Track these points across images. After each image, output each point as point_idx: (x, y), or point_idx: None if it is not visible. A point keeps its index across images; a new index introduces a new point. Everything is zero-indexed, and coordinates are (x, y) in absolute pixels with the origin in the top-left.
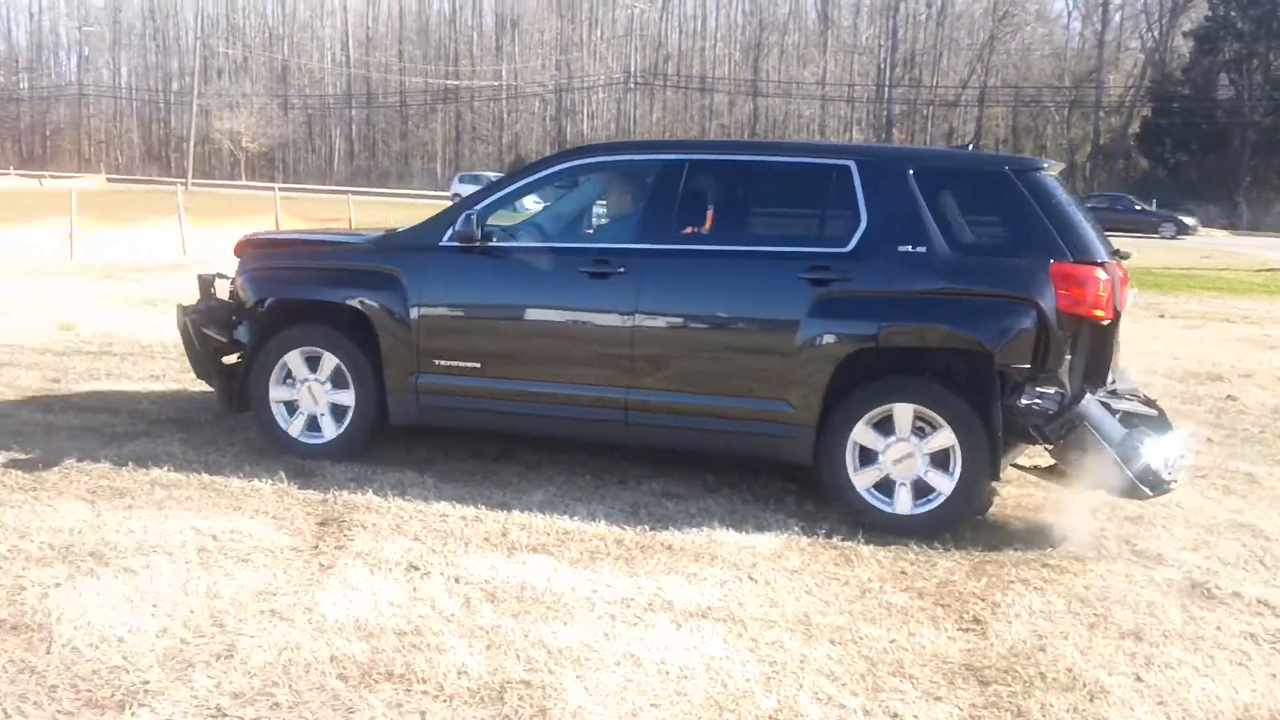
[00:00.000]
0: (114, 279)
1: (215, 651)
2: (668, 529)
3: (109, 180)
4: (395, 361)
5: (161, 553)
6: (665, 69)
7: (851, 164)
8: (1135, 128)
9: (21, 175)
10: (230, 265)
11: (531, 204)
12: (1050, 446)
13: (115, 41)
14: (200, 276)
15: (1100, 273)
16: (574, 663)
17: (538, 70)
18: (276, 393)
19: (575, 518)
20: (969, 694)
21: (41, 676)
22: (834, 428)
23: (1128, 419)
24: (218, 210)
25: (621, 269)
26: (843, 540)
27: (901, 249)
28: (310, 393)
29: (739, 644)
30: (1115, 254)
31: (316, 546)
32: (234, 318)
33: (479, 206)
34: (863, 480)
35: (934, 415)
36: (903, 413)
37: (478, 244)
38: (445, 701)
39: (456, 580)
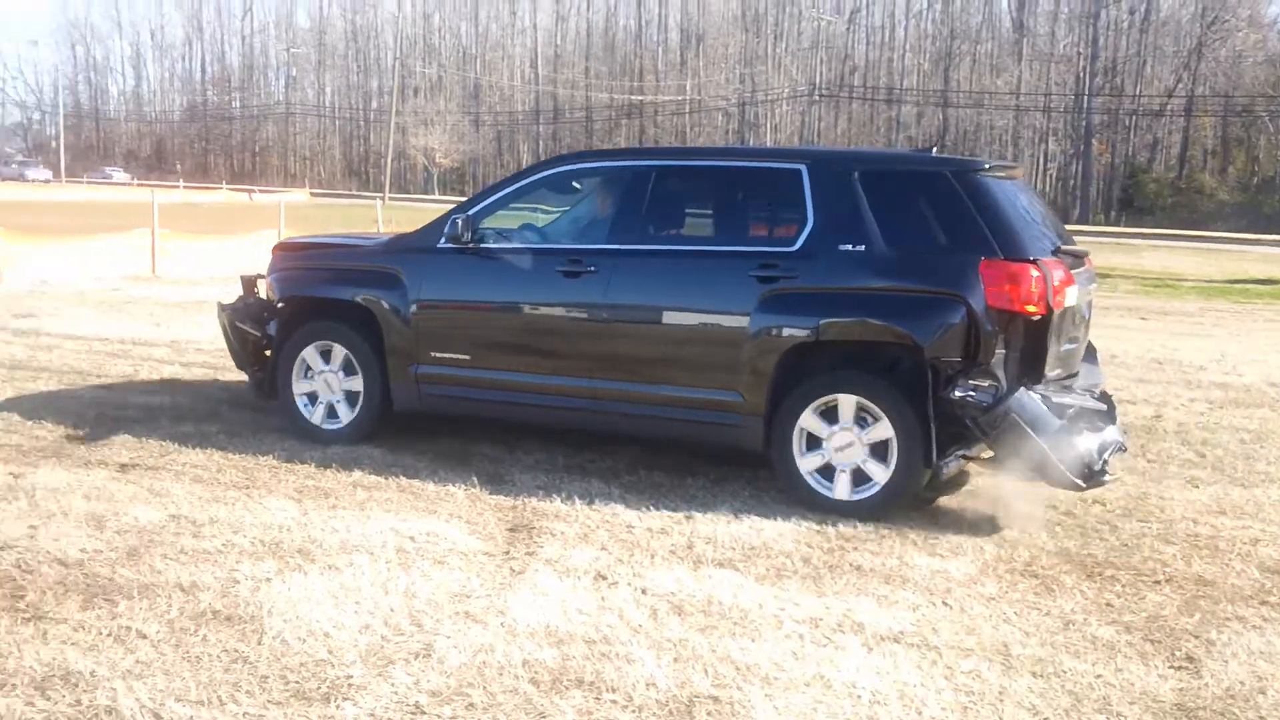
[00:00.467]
0: None
1: (414, 650)
2: (857, 549)
3: (312, 195)
4: (396, 353)
5: (363, 552)
6: (851, 80)
7: (803, 168)
8: None
9: (232, 190)
10: None
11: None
12: (986, 438)
13: (320, 62)
14: (243, 277)
15: (1033, 270)
16: (762, 681)
17: (721, 84)
18: (300, 385)
19: (761, 534)
20: None
21: (253, 666)
22: (782, 417)
23: (1071, 412)
24: (416, 222)
25: (592, 268)
26: (1043, 568)
27: (842, 248)
28: (326, 383)
29: (934, 671)
30: (1069, 254)
31: (508, 552)
32: (266, 314)
33: (470, 211)
34: (808, 466)
35: (872, 406)
36: (845, 404)
37: (470, 245)
38: (634, 712)
39: (643, 591)
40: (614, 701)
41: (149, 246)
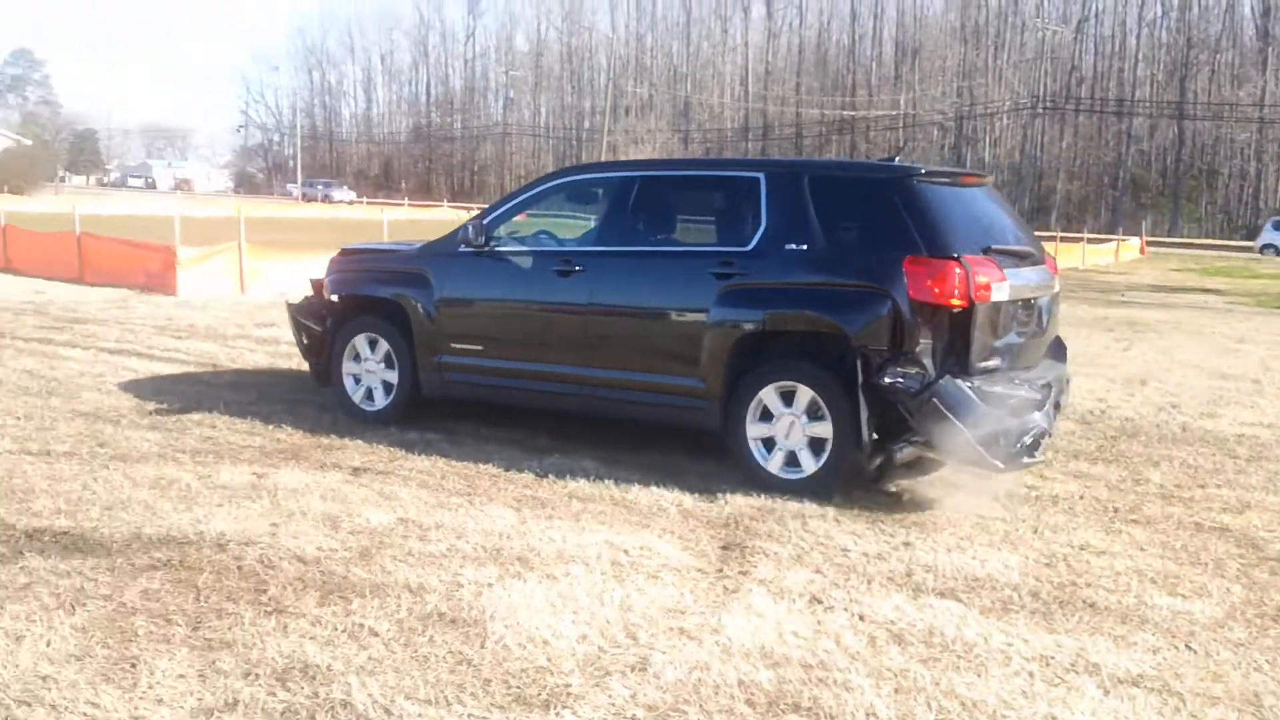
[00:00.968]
0: None
1: (629, 663)
2: (1090, 585)
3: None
4: (423, 345)
5: (579, 562)
6: (1078, 92)
7: (761, 175)
8: None
9: (453, 207)
10: None
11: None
12: (912, 422)
13: (536, 84)
14: (312, 279)
15: (955, 267)
16: (989, 718)
17: (937, 98)
18: (348, 366)
19: (985, 565)
20: None
21: (477, 669)
22: (736, 400)
23: (1001, 400)
24: None
25: (579, 268)
26: None
27: (788, 247)
28: (369, 371)
29: (1176, 719)
30: (1005, 253)
31: (721, 570)
32: (324, 311)
33: (485, 219)
34: (756, 445)
35: (811, 392)
36: (788, 389)
37: (485, 249)
38: None
39: (860, 618)
40: None
41: None
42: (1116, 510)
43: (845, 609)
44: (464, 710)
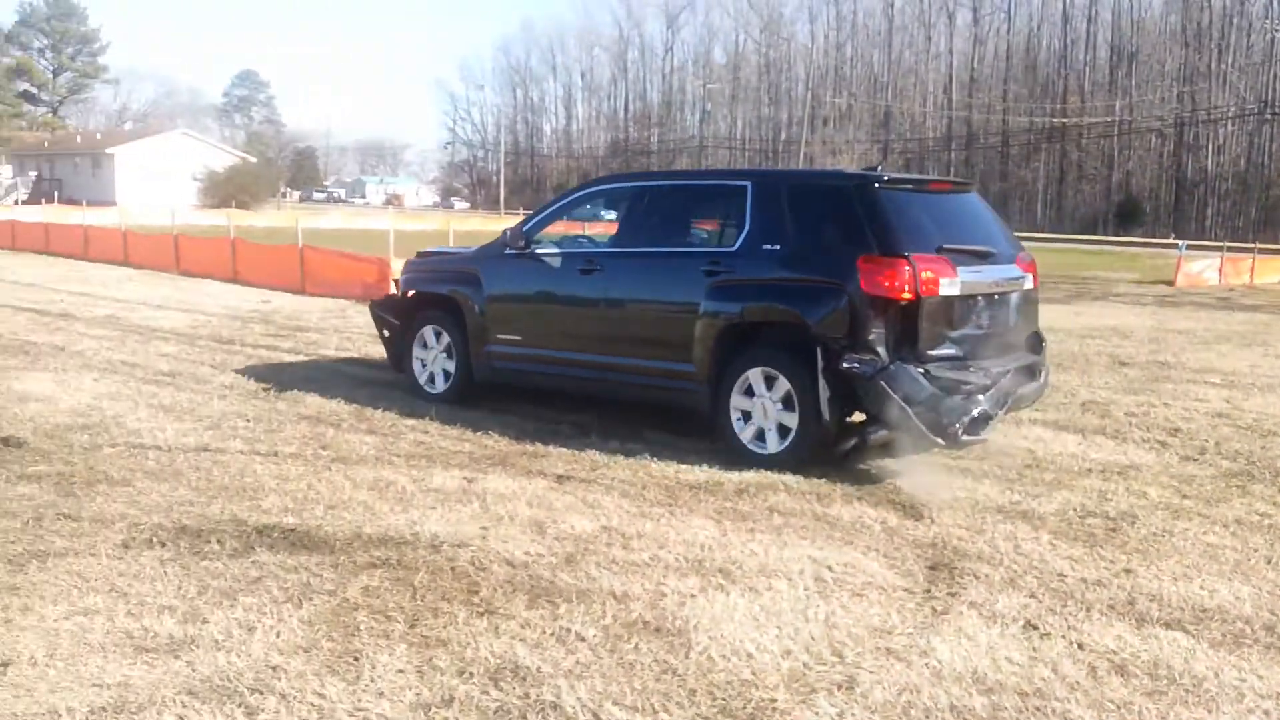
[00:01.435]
0: None
1: (836, 681)
2: None
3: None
4: (474, 335)
5: (781, 577)
6: None
7: (748, 184)
8: None
9: None
10: None
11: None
12: (865, 403)
13: (733, 96)
14: (395, 279)
15: (905, 265)
16: None
17: (1155, 104)
18: (417, 352)
19: (1215, 595)
20: None
21: (682, 679)
22: (722, 383)
23: (951, 385)
24: None
25: (599, 267)
26: None
27: (765, 247)
28: (434, 358)
29: None
30: (962, 253)
31: (929, 590)
32: (400, 307)
33: (525, 226)
34: (738, 423)
35: (780, 374)
36: (765, 372)
37: (525, 251)
38: None
39: (1079, 646)
40: None
41: None
42: None
43: (1063, 636)
44: (670, 719)
